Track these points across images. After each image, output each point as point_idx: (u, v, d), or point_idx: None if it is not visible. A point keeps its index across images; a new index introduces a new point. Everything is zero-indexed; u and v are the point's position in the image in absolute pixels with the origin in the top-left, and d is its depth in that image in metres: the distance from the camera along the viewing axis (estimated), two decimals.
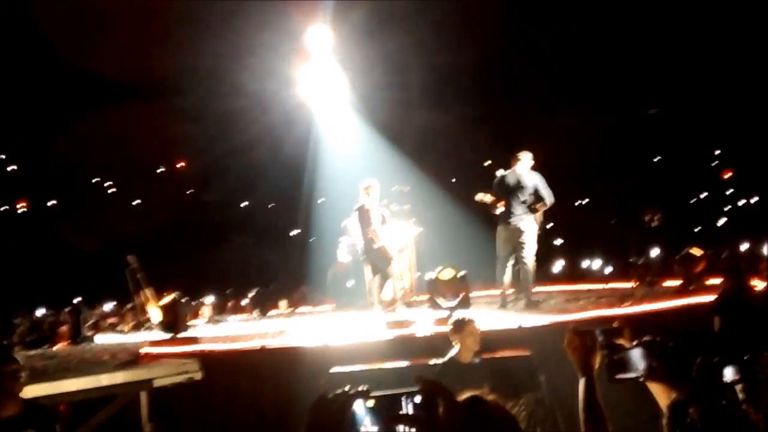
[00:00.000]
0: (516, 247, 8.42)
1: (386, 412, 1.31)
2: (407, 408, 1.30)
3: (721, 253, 13.89)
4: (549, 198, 8.41)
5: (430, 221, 11.47)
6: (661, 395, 2.57)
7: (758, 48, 20.54)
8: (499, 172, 8.68)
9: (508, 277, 8.68)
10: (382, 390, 1.39)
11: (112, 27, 19.42)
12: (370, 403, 1.33)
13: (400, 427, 1.31)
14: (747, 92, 22.35)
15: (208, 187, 27.65)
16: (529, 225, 8.40)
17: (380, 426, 1.30)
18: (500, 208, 8.55)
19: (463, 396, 1.80)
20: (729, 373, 2.34)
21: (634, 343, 2.46)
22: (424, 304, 8.85)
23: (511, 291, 8.81)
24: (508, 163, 8.68)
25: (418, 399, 1.31)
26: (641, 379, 2.38)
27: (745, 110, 22.97)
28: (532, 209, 8.39)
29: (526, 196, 8.38)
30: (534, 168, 8.59)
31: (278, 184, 24.52)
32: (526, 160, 8.52)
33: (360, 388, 1.32)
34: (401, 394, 1.32)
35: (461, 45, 19.09)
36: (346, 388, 1.33)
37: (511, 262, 8.59)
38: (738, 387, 2.40)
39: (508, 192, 8.46)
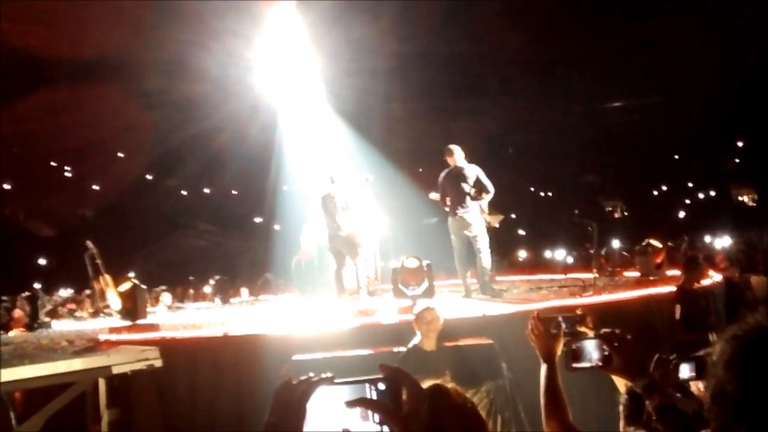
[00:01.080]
0: (468, 239, 8.55)
1: (350, 398, 1.29)
2: (371, 395, 1.28)
3: (681, 245, 14.18)
4: (490, 188, 8.60)
5: (395, 210, 11.45)
6: (621, 383, 2.60)
7: (721, 40, 20.93)
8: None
9: (465, 267, 8.79)
10: (346, 378, 1.37)
11: (71, 7, 18.91)
12: (334, 389, 1.31)
13: (362, 413, 1.29)
14: (708, 86, 22.79)
15: (169, 173, 27.24)
16: (475, 216, 8.58)
17: (342, 411, 1.29)
18: (447, 201, 8.72)
19: (425, 384, 1.80)
20: (685, 371, 2.40)
21: (592, 334, 2.48)
22: (389, 293, 8.87)
23: (472, 281, 8.90)
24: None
25: (382, 386, 1.29)
26: (598, 368, 2.38)
27: (706, 104, 23.43)
28: (474, 199, 8.56)
29: (468, 188, 8.55)
30: (471, 161, 8.76)
31: (242, 171, 24.26)
32: (458, 152, 8.71)
33: (324, 375, 1.31)
34: (365, 381, 1.30)
35: (430, 33, 19.07)
36: (311, 374, 1.32)
37: (465, 252, 8.71)
38: (693, 384, 2.47)
39: (452, 186, 8.64)
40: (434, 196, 8.95)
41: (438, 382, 1.86)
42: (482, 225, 8.67)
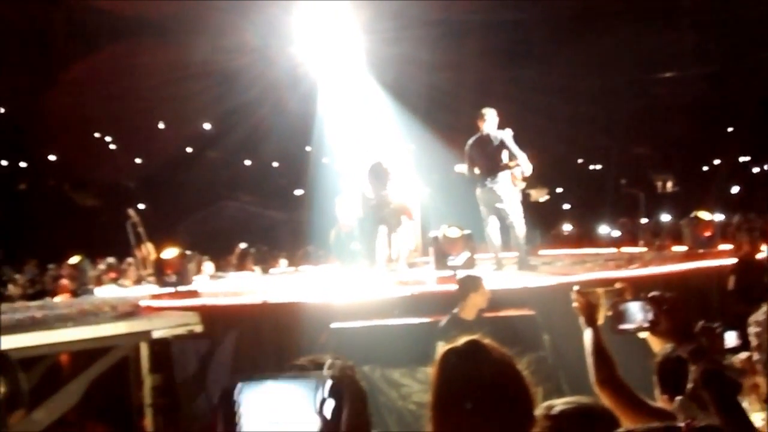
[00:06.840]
0: (499, 212, 8.21)
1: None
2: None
3: (732, 219, 13.77)
4: (519, 155, 8.10)
5: (436, 181, 11.31)
6: (657, 349, 2.60)
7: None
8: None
9: (496, 239, 8.47)
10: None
11: None
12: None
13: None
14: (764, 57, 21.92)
15: (210, 145, 27.47)
16: (505, 187, 8.13)
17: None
18: (476, 170, 8.27)
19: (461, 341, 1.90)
20: (730, 339, 2.38)
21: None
22: (429, 263, 8.77)
23: (501, 254, 8.60)
24: (503, 123, 8.39)
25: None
26: (644, 330, 2.39)
27: (757, 77, 22.58)
28: (505, 168, 8.12)
29: (497, 156, 8.08)
30: (502, 126, 8.30)
31: (283, 143, 24.29)
32: (491, 117, 8.19)
33: None
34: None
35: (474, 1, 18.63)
36: None
37: (496, 223, 8.36)
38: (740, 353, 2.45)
39: (480, 154, 8.18)
40: (460, 168, 8.48)
41: (475, 337, 1.90)
42: (514, 196, 8.26)
